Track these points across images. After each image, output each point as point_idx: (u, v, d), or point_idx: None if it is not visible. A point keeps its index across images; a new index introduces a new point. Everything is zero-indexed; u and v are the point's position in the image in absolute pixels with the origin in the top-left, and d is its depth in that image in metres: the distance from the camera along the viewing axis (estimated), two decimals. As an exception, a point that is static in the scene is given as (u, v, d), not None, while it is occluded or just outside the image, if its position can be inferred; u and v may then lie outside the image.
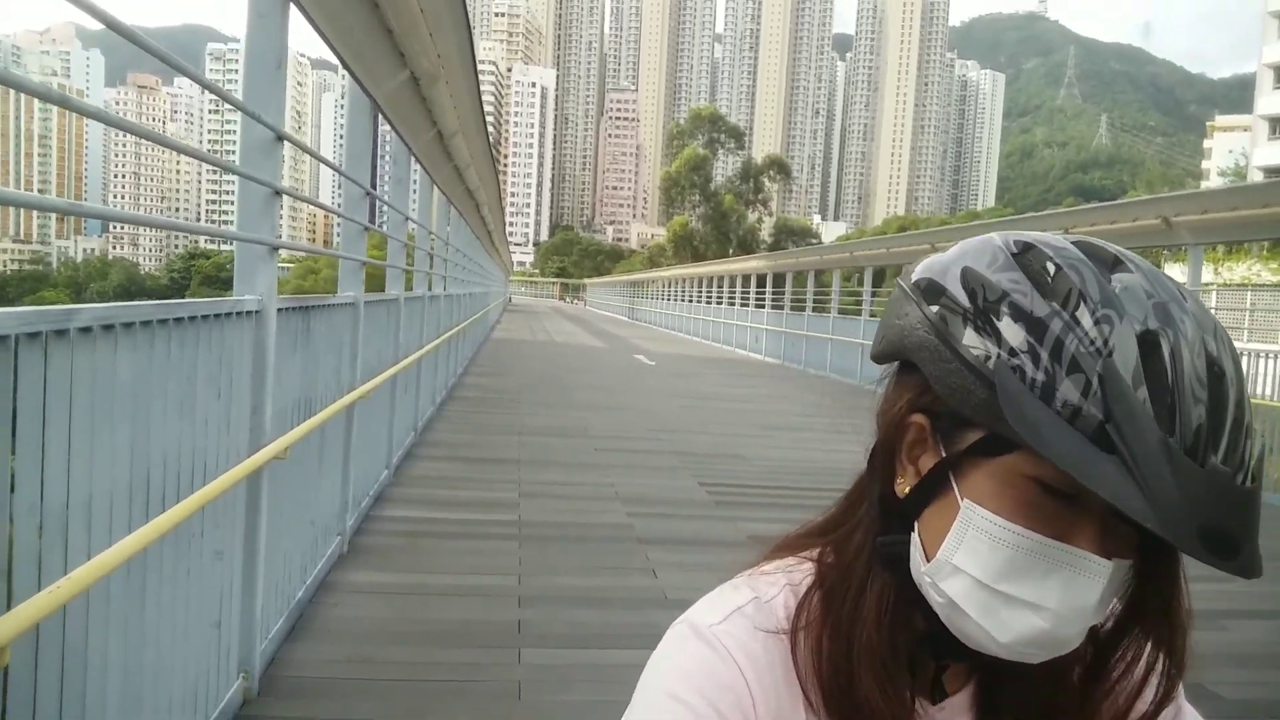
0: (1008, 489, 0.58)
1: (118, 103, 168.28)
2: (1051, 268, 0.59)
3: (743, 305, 25.55)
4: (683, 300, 35.23)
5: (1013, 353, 0.57)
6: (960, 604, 0.59)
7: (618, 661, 3.47)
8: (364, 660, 3.28)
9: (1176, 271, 27.07)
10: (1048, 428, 0.54)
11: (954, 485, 0.61)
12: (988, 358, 0.58)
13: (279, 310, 3.05)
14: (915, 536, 0.63)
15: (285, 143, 3.11)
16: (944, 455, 0.62)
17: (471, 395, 11.54)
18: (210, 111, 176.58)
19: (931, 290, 0.64)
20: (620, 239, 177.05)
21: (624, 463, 7.49)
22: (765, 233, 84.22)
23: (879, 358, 0.70)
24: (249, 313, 2.80)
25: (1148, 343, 0.55)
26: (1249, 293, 23.83)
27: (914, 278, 0.67)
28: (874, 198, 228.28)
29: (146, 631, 2.08)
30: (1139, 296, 0.56)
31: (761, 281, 24.05)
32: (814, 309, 19.88)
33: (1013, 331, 0.57)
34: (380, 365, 5.50)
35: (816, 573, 0.68)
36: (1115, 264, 0.59)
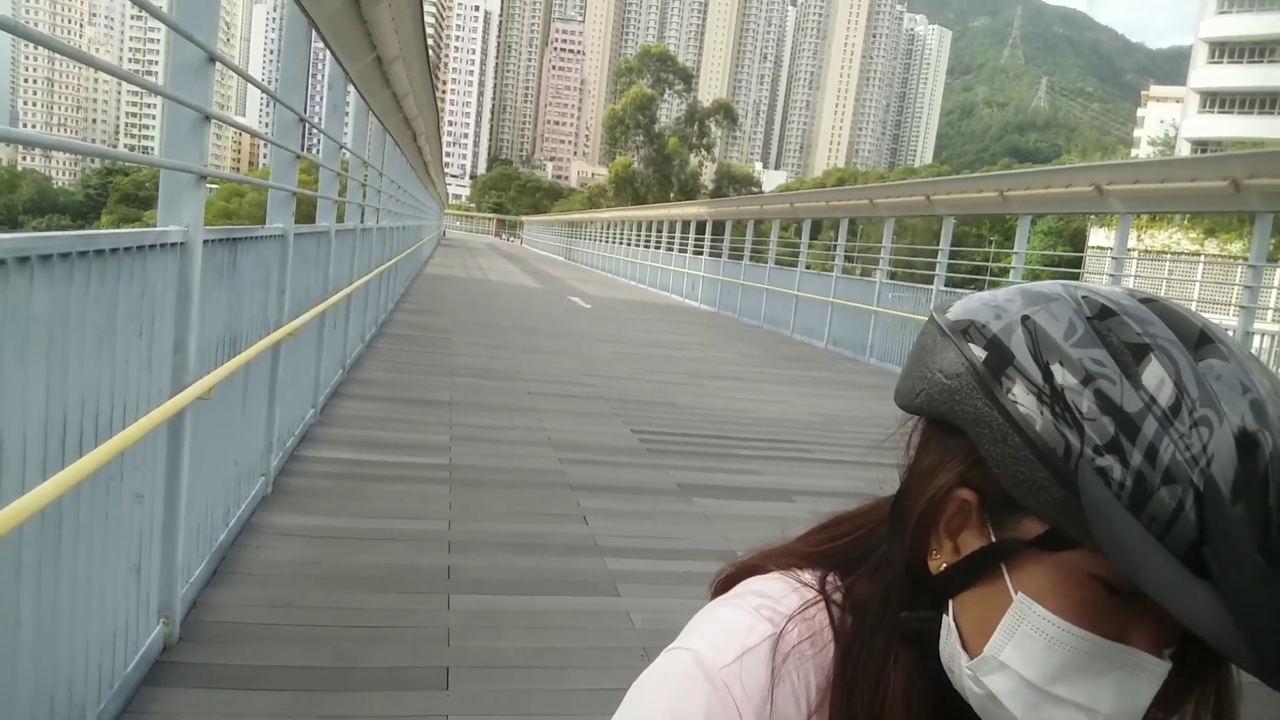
0: (1068, 587, 0.53)
1: None
2: (1140, 348, 0.52)
3: (681, 251, 25.50)
4: (621, 243, 35.02)
5: (1098, 451, 0.50)
6: (1004, 702, 0.55)
7: (548, 608, 3.50)
8: (288, 605, 3.23)
9: (1103, 237, 27.89)
10: (1138, 547, 0.49)
11: (1006, 576, 0.56)
12: (1068, 454, 0.51)
13: (205, 242, 2.91)
14: (950, 621, 0.58)
15: (217, 63, 2.94)
16: (994, 540, 0.56)
17: (403, 333, 11.35)
18: (133, 18, 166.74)
19: (994, 352, 0.56)
20: (560, 176, 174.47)
21: (557, 408, 7.47)
22: (707, 178, 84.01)
23: (912, 410, 0.62)
24: (173, 244, 2.67)
25: (1246, 450, 0.49)
26: (1167, 261, 24.72)
27: (962, 322, 0.59)
28: (816, 148, 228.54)
29: (61, 579, 2.00)
30: (1235, 390, 0.51)
31: (701, 228, 24.00)
32: (751, 258, 19.96)
33: (1099, 427, 0.51)
34: (309, 300, 5.34)
35: (830, 618, 0.63)
36: (1202, 342, 0.53)
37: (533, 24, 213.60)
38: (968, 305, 0.60)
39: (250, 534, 3.83)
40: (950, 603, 0.59)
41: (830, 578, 0.65)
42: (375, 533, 4.09)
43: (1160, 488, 0.49)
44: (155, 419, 2.35)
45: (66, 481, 1.80)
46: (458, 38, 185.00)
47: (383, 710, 2.64)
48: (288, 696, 2.64)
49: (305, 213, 6.25)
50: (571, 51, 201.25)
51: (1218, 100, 43.67)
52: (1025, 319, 0.56)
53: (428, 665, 2.92)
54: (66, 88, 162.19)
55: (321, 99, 6.83)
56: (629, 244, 33.36)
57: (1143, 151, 54.47)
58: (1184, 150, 41.51)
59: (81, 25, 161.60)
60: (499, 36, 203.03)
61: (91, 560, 2.18)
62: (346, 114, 7.52)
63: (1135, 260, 23.24)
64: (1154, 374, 0.51)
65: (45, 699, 1.98)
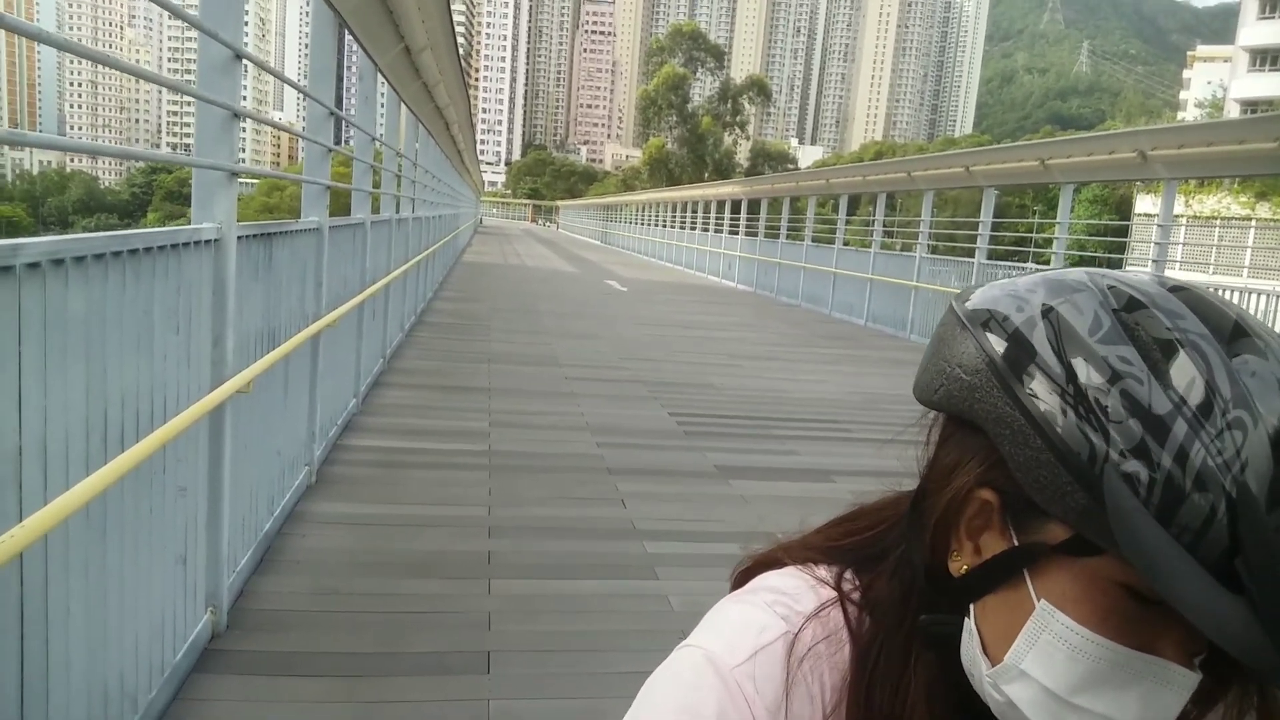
0: (1093, 594, 0.51)
1: (70, 4, 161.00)
2: (1169, 343, 0.50)
3: (717, 231, 25.39)
4: (657, 225, 34.94)
5: (1124, 456, 0.48)
6: (1025, 710, 0.53)
7: (587, 591, 3.53)
8: (333, 591, 3.29)
9: (1150, 204, 27.23)
10: (1165, 558, 0.46)
11: (1028, 581, 0.53)
12: (1093, 458, 0.49)
13: (239, 238, 2.96)
14: (971, 624, 0.57)
15: (246, 60, 2.98)
16: (1016, 544, 0.54)
17: (442, 321, 11.45)
18: (170, 19, 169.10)
19: (1015, 346, 0.53)
20: (594, 159, 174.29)
21: (594, 392, 7.49)
22: (742, 156, 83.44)
23: (932, 406, 0.60)
24: (207, 241, 2.72)
25: None
26: (1217, 227, 24.05)
27: (981, 312, 0.56)
28: (852, 122, 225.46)
29: (109, 571, 2.06)
30: (1271, 388, 0.48)
31: (736, 207, 23.85)
32: (788, 236, 19.80)
33: (1126, 430, 0.48)
34: (347, 292, 5.41)
35: (846, 619, 0.61)
36: (1236, 335, 0.50)
37: (562, 8, 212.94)
38: (988, 294, 0.58)
39: (295, 523, 3.90)
40: (971, 606, 0.57)
41: (847, 575, 0.63)
42: (417, 519, 4.15)
43: (1190, 495, 0.46)
44: (195, 413, 2.40)
45: (109, 476, 1.84)
46: (488, 25, 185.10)
47: (425, 694, 2.68)
48: (332, 682, 2.69)
49: (344, 205, 6.32)
50: (602, 34, 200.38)
51: (1269, 58, 42.18)
52: (1048, 311, 0.53)
53: (469, 650, 2.96)
54: (109, 89, 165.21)
55: (353, 92, 6.89)
56: (664, 225, 33.27)
57: (1189, 114, 52.95)
58: (1233, 112, 40.22)
59: (121, 28, 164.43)
60: (529, 22, 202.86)
61: (138, 553, 2.23)
62: (381, 106, 7.57)
63: (1183, 227, 22.65)
64: (1184, 372, 0.48)
65: (99, 689, 2.04)
